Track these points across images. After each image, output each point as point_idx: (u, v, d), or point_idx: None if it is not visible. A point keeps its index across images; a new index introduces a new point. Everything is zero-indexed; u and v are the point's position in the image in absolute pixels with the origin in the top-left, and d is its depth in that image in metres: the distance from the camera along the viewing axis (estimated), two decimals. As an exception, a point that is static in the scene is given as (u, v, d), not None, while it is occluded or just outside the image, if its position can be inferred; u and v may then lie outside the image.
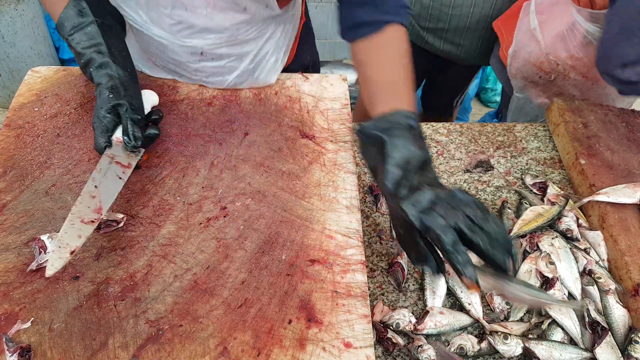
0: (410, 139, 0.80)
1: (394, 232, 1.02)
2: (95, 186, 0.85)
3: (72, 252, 0.77)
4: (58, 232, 0.86)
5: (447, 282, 0.97)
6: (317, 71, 1.41)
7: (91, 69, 0.92)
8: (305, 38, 1.29)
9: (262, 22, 1.06)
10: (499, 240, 0.73)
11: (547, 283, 0.96)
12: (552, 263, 0.98)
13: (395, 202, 0.77)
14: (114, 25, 0.97)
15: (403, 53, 0.91)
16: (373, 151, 0.83)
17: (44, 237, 0.84)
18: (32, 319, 0.77)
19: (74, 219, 0.80)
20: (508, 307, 0.94)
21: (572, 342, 0.91)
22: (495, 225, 0.74)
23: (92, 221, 0.81)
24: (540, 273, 0.97)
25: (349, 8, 0.94)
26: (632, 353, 0.86)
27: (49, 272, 0.75)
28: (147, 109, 0.98)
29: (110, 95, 0.90)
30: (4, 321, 0.76)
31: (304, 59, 1.30)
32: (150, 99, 1.02)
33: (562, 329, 0.91)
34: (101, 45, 0.93)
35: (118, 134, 0.91)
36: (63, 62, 2.98)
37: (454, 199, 0.75)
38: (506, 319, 0.94)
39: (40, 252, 0.82)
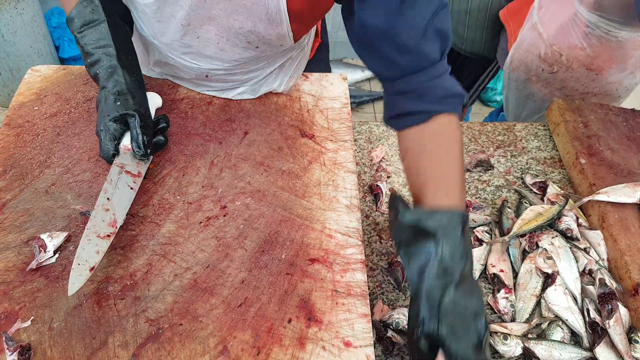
0: (460, 245, 0.75)
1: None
2: (108, 198, 0.85)
3: (91, 269, 0.77)
4: (58, 231, 0.86)
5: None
6: None
7: (97, 70, 0.91)
8: (317, 58, 1.27)
9: (273, 55, 1.05)
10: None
11: (548, 279, 0.96)
12: (549, 258, 0.98)
13: (425, 310, 0.72)
14: (123, 26, 0.95)
15: (454, 143, 0.84)
16: (414, 243, 0.77)
17: (43, 236, 0.84)
18: (32, 317, 0.77)
19: (90, 234, 0.80)
20: (513, 309, 0.94)
21: (572, 340, 0.91)
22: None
23: (108, 235, 0.81)
24: (540, 270, 0.97)
25: (394, 95, 0.88)
26: (632, 353, 0.86)
27: (71, 292, 0.74)
28: (152, 112, 0.98)
29: (118, 103, 0.88)
30: (4, 320, 0.76)
31: (315, 72, 1.28)
32: (155, 102, 1.02)
33: (565, 324, 0.91)
34: (110, 47, 0.90)
35: (125, 142, 0.91)
36: (63, 61, 2.98)
37: (479, 336, 0.70)
38: (513, 320, 0.94)
39: (40, 251, 0.82)
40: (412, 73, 0.85)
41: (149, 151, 0.91)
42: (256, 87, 1.11)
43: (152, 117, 0.97)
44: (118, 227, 0.82)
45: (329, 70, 1.41)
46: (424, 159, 0.84)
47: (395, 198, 0.83)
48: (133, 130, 0.89)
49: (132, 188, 0.89)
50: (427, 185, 0.82)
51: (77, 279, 0.75)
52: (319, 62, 1.30)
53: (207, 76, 1.05)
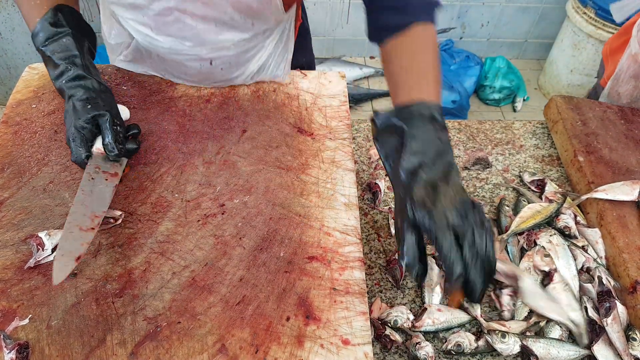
0: (431, 131, 0.78)
1: (393, 227, 1.03)
2: (87, 195, 0.84)
3: (77, 259, 0.76)
4: (56, 229, 0.86)
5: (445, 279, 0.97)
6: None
7: (64, 81, 0.91)
8: (300, 40, 1.29)
9: (268, 32, 1.07)
10: (484, 266, 0.70)
11: (546, 277, 0.96)
12: (547, 255, 0.98)
13: (405, 194, 0.75)
14: (85, 39, 0.96)
15: (429, 47, 0.89)
16: (389, 141, 0.81)
17: (41, 234, 0.83)
18: (30, 316, 0.76)
19: (72, 227, 0.79)
20: (514, 307, 0.94)
21: (570, 339, 0.91)
22: (489, 250, 0.71)
23: (92, 228, 0.80)
24: (539, 268, 0.97)
25: (375, 13, 0.94)
26: (630, 350, 0.87)
27: (57, 280, 0.74)
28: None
29: (89, 106, 0.88)
30: (2, 318, 0.76)
31: (299, 59, 1.29)
32: (123, 114, 1.00)
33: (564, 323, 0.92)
34: (76, 57, 0.91)
35: (98, 145, 0.89)
36: (61, 58, 2.97)
37: (464, 204, 0.72)
38: (513, 317, 0.94)
39: (38, 249, 0.82)
40: None
41: (123, 152, 0.90)
42: (257, 70, 1.13)
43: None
44: (100, 221, 0.82)
45: (311, 54, 1.43)
46: (397, 61, 0.89)
47: (374, 112, 0.86)
48: (105, 130, 0.88)
49: (108, 186, 0.87)
50: (399, 84, 0.87)
51: (63, 269, 0.74)
52: (301, 46, 1.31)
53: (211, 63, 1.06)
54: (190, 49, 1.02)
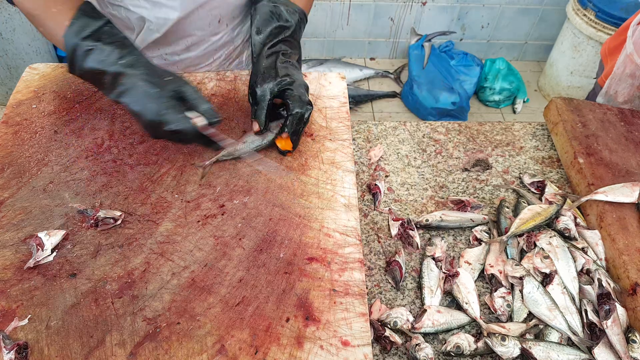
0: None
1: (393, 228, 1.04)
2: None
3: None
4: (56, 229, 0.86)
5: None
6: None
7: (123, 61, 0.88)
8: None
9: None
10: None
11: (546, 279, 0.96)
12: (547, 257, 0.98)
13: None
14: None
15: None
16: None
17: (41, 235, 0.83)
18: (29, 316, 0.76)
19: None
20: (509, 309, 0.94)
21: (569, 341, 0.91)
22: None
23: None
24: (538, 270, 0.97)
25: None
26: (630, 352, 0.86)
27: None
28: None
29: (168, 78, 0.88)
30: (1, 318, 0.76)
31: None
32: None
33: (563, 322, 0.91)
34: (126, 39, 0.91)
35: (194, 119, 0.87)
36: (61, 59, 2.97)
37: None
38: (510, 319, 0.94)
39: (37, 250, 0.82)
40: None
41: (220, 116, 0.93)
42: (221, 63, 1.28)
43: None
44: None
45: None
46: None
47: None
48: (198, 99, 0.89)
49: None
50: None
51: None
52: None
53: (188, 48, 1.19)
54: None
